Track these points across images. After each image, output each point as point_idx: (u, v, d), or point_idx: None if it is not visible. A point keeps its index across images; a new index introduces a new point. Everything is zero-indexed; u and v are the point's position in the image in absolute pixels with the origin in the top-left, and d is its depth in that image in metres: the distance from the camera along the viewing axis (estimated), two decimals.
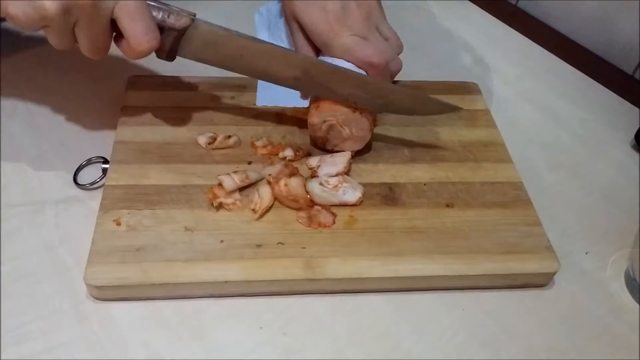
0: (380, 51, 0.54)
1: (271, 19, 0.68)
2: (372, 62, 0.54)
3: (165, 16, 0.49)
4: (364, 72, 0.54)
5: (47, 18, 0.44)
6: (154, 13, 0.48)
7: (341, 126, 0.55)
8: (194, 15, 0.50)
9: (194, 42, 0.51)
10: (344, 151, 0.56)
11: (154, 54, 0.50)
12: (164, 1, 0.50)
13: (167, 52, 0.51)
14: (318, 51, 0.56)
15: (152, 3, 0.49)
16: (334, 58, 0.54)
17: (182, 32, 0.50)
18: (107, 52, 0.49)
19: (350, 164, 0.55)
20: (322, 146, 0.57)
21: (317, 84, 0.53)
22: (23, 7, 0.43)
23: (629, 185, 0.61)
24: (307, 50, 0.56)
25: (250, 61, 0.52)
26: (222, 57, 0.52)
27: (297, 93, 0.57)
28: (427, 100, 0.56)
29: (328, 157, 0.55)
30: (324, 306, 0.47)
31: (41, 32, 0.47)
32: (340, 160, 0.55)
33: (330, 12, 0.54)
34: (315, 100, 0.56)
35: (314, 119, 0.55)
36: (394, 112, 0.56)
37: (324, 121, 0.54)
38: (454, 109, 0.57)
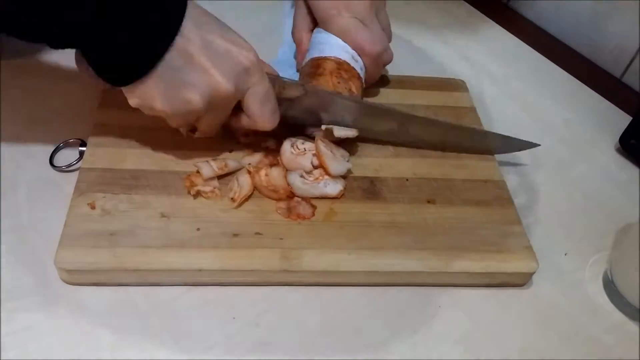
0: (376, 40, 0.57)
1: None
2: (365, 49, 0.56)
3: (282, 89, 0.50)
4: (357, 55, 0.56)
5: (194, 112, 0.46)
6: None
7: None
8: (303, 84, 0.52)
9: (303, 106, 0.52)
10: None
11: None
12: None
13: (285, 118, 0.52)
14: (315, 25, 0.58)
15: (271, 76, 0.50)
16: (330, 34, 0.56)
17: (293, 100, 0.51)
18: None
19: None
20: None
21: (411, 135, 0.57)
22: (170, 102, 0.45)
23: (611, 188, 0.61)
24: (304, 24, 0.58)
25: (351, 120, 0.54)
26: (324, 117, 0.53)
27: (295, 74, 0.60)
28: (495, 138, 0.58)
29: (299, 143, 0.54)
30: (299, 298, 0.47)
31: None
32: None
33: None
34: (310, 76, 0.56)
35: None
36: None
37: None
38: (529, 145, 0.59)
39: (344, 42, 0.56)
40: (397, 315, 0.47)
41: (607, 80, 0.77)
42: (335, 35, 0.56)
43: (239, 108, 0.49)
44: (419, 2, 0.83)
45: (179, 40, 0.43)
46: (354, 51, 0.56)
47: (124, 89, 0.45)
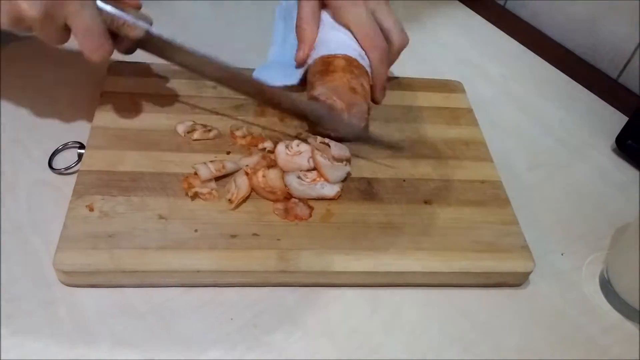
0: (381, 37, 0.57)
1: (289, 10, 0.71)
2: (373, 40, 0.57)
3: (120, 25, 0.49)
4: (363, 53, 0.56)
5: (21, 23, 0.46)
6: (108, 22, 0.49)
7: (341, 108, 0.55)
8: (150, 24, 0.51)
9: (148, 49, 0.52)
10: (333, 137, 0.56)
11: None
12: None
13: (125, 52, 0.52)
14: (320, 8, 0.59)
15: (109, 10, 0.49)
16: (336, 25, 0.57)
17: (136, 41, 0.51)
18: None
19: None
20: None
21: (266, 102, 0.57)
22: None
23: (607, 188, 0.61)
24: (313, 18, 0.58)
25: (200, 71, 0.54)
26: (175, 63, 0.54)
27: (293, 72, 0.59)
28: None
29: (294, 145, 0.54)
30: (296, 299, 0.47)
31: None
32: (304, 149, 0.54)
33: None
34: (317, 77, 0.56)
35: (318, 89, 0.54)
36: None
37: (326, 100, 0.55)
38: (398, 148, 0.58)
39: (354, 35, 0.56)
40: (394, 316, 0.47)
41: (604, 81, 0.77)
42: (348, 25, 0.57)
43: None
44: (416, 3, 0.83)
45: None
46: (361, 49, 0.56)
47: None
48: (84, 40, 0.48)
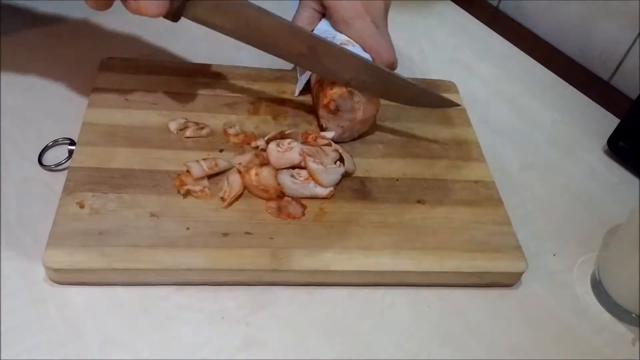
0: (392, 48, 0.56)
1: None
2: (383, 57, 0.55)
3: None
4: (369, 58, 0.55)
5: None
6: None
7: (355, 101, 0.55)
8: None
9: (201, 5, 0.49)
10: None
11: None
12: None
13: (173, 14, 0.49)
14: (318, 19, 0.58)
15: None
16: (338, 36, 0.55)
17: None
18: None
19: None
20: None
21: (321, 64, 0.53)
22: None
23: (599, 190, 0.62)
24: (309, 27, 0.57)
25: (256, 32, 0.51)
26: (228, 24, 0.50)
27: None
28: (428, 93, 0.57)
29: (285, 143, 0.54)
30: (288, 297, 0.47)
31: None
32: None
33: None
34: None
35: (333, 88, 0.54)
36: (393, 99, 0.57)
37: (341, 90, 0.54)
38: (452, 104, 0.58)
39: (357, 43, 0.55)
40: (386, 315, 0.47)
41: (596, 82, 0.77)
42: (352, 36, 0.55)
43: None
44: (410, 4, 0.83)
45: None
46: (367, 55, 0.56)
47: None
48: None
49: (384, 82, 0.55)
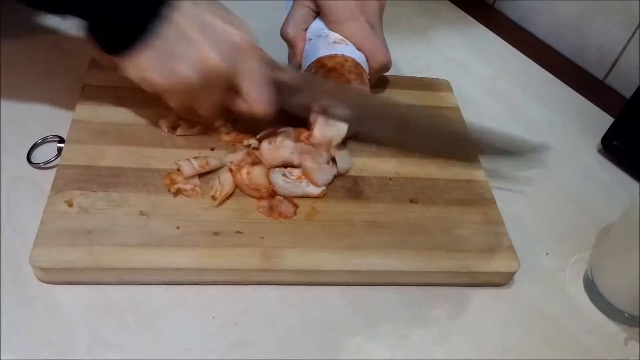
0: (386, 49, 0.57)
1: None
2: (377, 57, 0.56)
3: (280, 74, 0.50)
4: (363, 57, 0.56)
5: (186, 86, 0.47)
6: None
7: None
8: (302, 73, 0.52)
9: (302, 96, 0.52)
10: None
11: None
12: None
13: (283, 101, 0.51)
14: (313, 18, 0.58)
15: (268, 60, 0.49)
16: (331, 34, 0.56)
17: (292, 88, 0.51)
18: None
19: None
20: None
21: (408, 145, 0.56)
22: (162, 74, 0.46)
23: (593, 189, 0.62)
24: (302, 24, 0.58)
25: (351, 116, 0.53)
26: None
27: None
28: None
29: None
30: (279, 297, 0.46)
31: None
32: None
33: None
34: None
35: None
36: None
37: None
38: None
39: (351, 43, 0.56)
40: (378, 315, 0.47)
41: (591, 82, 0.77)
42: (347, 36, 0.56)
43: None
44: (405, 3, 0.83)
45: (174, 15, 0.45)
46: (361, 53, 0.56)
47: (121, 59, 0.46)
48: (258, 91, 0.48)
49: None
